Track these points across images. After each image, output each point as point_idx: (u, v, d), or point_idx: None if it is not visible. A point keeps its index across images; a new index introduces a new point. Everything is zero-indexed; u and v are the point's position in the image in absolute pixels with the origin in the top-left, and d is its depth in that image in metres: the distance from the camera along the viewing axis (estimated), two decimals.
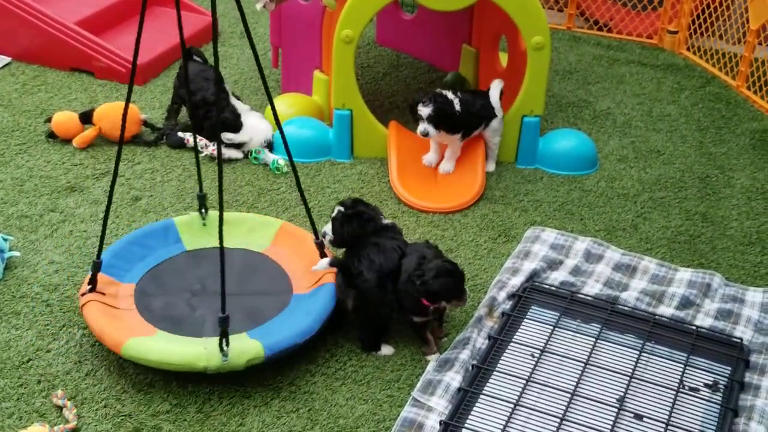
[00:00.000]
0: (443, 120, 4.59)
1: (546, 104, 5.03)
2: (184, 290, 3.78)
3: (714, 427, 3.27)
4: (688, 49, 6.35)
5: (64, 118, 4.93)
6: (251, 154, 4.90)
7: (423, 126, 4.58)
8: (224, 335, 3.26)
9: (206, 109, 4.88)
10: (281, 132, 3.73)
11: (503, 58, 5.51)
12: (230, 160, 4.90)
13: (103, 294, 3.60)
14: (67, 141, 4.92)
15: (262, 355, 3.35)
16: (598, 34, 6.62)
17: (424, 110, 4.55)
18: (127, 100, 3.42)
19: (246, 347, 3.35)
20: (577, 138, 5.04)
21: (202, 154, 4.90)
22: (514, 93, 4.93)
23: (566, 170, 4.95)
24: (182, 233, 4.05)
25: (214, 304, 3.46)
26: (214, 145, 4.91)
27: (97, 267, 3.56)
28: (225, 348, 3.27)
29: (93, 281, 3.57)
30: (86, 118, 4.95)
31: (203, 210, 4.09)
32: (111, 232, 4.24)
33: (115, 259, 3.79)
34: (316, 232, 3.85)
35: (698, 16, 6.24)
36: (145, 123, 5.06)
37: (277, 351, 3.38)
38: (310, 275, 3.80)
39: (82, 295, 3.56)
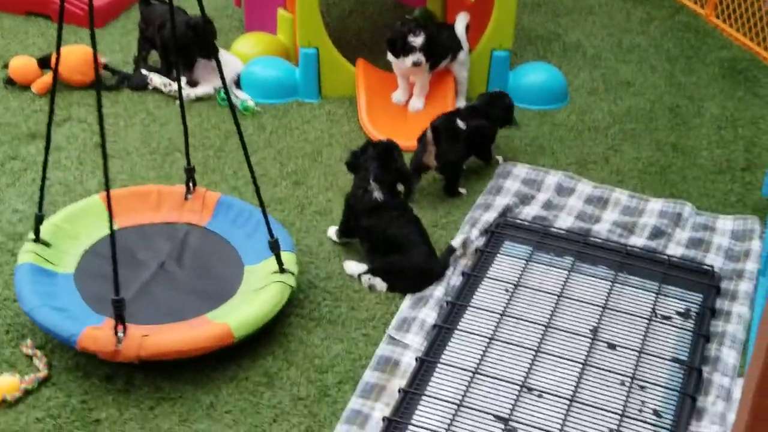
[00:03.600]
0: (434, 48, 4.59)
1: (515, 38, 4.96)
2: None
3: (687, 354, 3.30)
4: None
5: (22, 63, 4.79)
6: (219, 95, 4.81)
7: (416, 56, 4.53)
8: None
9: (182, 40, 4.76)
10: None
11: None
12: (198, 100, 4.81)
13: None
14: (26, 87, 4.78)
15: None
16: None
17: (417, 40, 4.51)
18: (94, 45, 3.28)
19: None
20: (548, 71, 4.99)
21: (166, 89, 4.82)
22: (483, 27, 4.86)
23: (537, 104, 4.91)
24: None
25: None
26: (176, 84, 4.81)
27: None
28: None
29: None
30: (45, 62, 4.81)
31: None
32: (75, 179, 4.16)
33: None
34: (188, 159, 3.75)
35: None
36: (106, 67, 4.94)
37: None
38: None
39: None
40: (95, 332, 3.08)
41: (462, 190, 4.22)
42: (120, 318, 3.03)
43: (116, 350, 3.04)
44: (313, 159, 4.44)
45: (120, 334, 3.04)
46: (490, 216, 3.96)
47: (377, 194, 3.65)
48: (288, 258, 3.47)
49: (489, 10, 4.82)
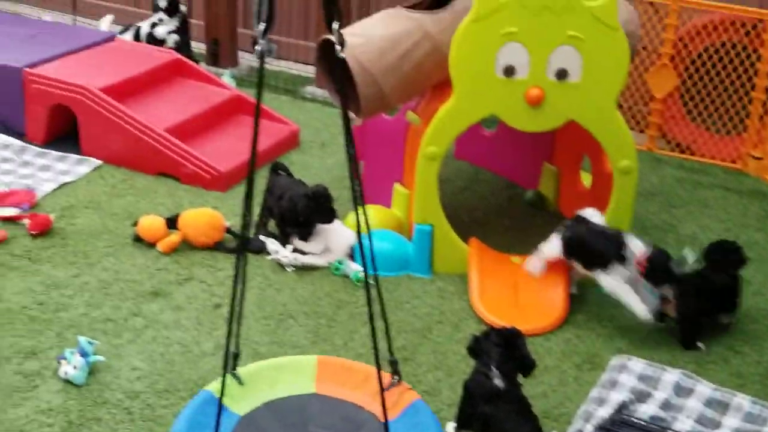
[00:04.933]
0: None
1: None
2: None
3: None
4: None
5: (150, 223, 5.01)
6: (332, 264, 4.91)
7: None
8: None
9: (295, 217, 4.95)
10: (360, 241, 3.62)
11: (585, 178, 5.50)
12: (311, 268, 4.91)
13: None
14: (152, 245, 4.98)
15: None
16: (681, 157, 6.57)
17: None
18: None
19: None
20: None
21: (271, 257, 4.94)
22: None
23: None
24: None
25: None
26: (287, 251, 4.93)
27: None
28: None
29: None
30: (172, 223, 5.03)
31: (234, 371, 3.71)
32: (193, 339, 4.24)
33: None
34: (391, 350, 3.74)
35: None
36: (228, 230, 5.11)
37: None
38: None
39: None
40: None
41: (700, 345, 4.39)
42: None
43: None
44: (422, 335, 4.44)
45: None
46: (604, 411, 3.84)
47: (498, 382, 3.59)
48: None
49: (604, 196, 4.86)
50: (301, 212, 4.94)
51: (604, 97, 4.60)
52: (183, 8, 7.61)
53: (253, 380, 3.66)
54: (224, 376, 3.23)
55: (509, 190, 5.97)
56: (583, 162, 5.54)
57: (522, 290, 4.78)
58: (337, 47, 3.19)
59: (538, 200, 5.74)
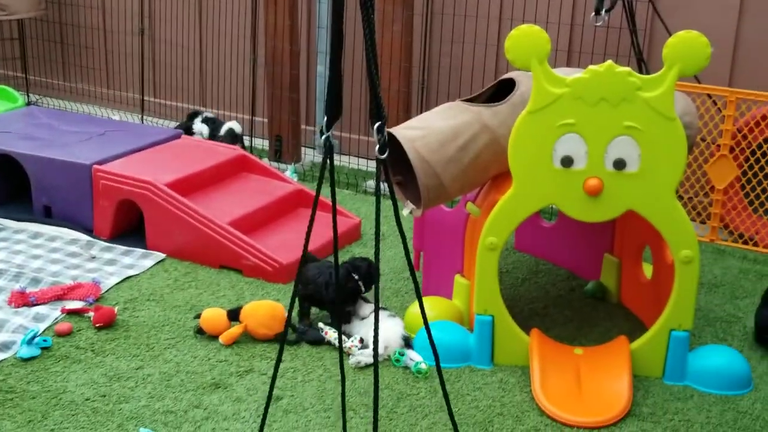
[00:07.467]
0: None
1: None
2: None
3: None
4: None
5: (212, 315, 5.07)
6: (394, 355, 4.89)
7: None
8: None
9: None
10: (429, 334, 3.65)
11: (647, 269, 5.44)
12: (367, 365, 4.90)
13: None
14: (214, 337, 5.02)
15: None
16: (744, 248, 6.48)
17: None
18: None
19: None
20: (730, 355, 4.81)
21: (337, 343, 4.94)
22: (659, 305, 4.81)
23: (718, 389, 4.70)
24: None
25: None
26: (352, 340, 4.93)
27: None
28: None
29: None
30: (233, 315, 5.08)
31: None
32: (252, 431, 4.23)
33: None
34: None
35: None
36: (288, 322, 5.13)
37: None
38: None
39: None
40: None
41: None
42: None
43: None
44: (483, 428, 4.37)
45: None
46: None
47: None
48: None
49: (666, 287, 4.78)
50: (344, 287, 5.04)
51: (663, 187, 4.58)
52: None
53: None
54: None
55: (570, 281, 5.93)
56: (645, 253, 5.49)
57: (585, 381, 4.69)
58: (377, 148, 3.01)
59: (600, 291, 5.68)
